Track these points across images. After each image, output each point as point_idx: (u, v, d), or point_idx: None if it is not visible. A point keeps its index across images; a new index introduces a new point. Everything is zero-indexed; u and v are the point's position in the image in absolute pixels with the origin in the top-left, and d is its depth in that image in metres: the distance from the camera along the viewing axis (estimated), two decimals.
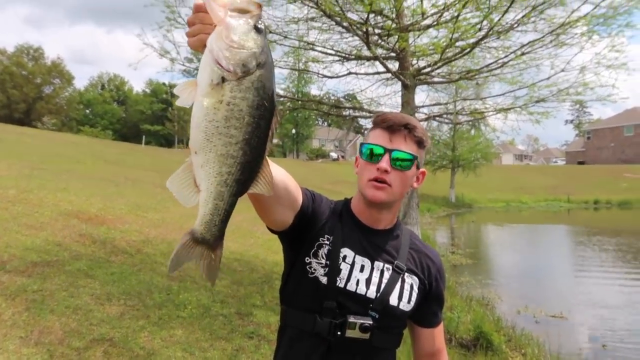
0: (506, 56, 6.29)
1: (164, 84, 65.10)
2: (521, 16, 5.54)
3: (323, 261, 1.24)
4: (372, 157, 1.26)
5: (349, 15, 5.88)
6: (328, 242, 1.26)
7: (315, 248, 1.25)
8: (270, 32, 6.13)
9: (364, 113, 7.78)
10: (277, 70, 6.96)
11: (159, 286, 4.75)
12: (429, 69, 6.68)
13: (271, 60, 0.86)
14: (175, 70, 6.52)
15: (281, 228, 1.21)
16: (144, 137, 46.92)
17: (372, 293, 1.24)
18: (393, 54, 6.74)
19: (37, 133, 24.80)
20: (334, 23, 6.23)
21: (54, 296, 3.99)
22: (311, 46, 6.73)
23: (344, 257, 1.25)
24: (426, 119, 8.26)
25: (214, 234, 0.92)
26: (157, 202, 9.30)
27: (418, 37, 6.20)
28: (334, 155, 58.02)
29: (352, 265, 1.25)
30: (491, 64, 6.54)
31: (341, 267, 1.24)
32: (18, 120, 38.93)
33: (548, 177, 41.59)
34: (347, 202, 1.38)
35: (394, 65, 6.83)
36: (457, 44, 5.73)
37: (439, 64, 6.37)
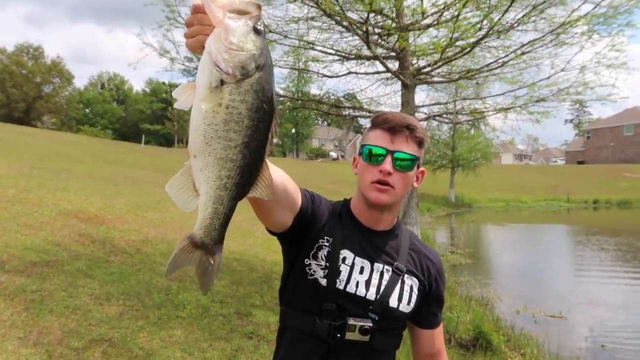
0: (506, 55, 6.29)
1: (163, 83, 65.10)
2: (521, 15, 5.54)
3: (323, 263, 1.23)
4: (374, 158, 1.25)
5: (349, 14, 5.88)
6: (328, 244, 1.25)
7: (314, 250, 1.24)
8: (270, 31, 6.13)
9: (364, 112, 7.77)
10: (277, 70, 6.98)
11: (158, 286, 4.75)
12: (429, 69, 6.68)
13: (270, 62, 0.85)
14: (175, 69, 6.52)
15: (280, 230, 1.20)
16: (143, 136, 46.91)
17: (371, 295, 1.23)
18: (393, 54, 6.73)
19: (36, 132, 24.78)
20: (334, 22, 6.22)
21: (53, 296, 3.98)
22: (311, 45, 6.73)
23: (344, 259, 1.24)
24: (426, 119, 8.26)
25: (214, 238, 0.91)
26: (157, 202, 9.29)
27: (418, 36, 6.19)
28: (333, 154, 58.00)
29: (352, 267, 1.24)
30: (491, 63, 6.54)
31: (341, 268, 1.23)
32: (17, 120, 38.93)
33: (548, 177, 41.61)
34: (346, 202, 1.37)
35: (394, 65, 6.82)
36: (457, 43, 5.73)
37: (439, 64, 6.37)
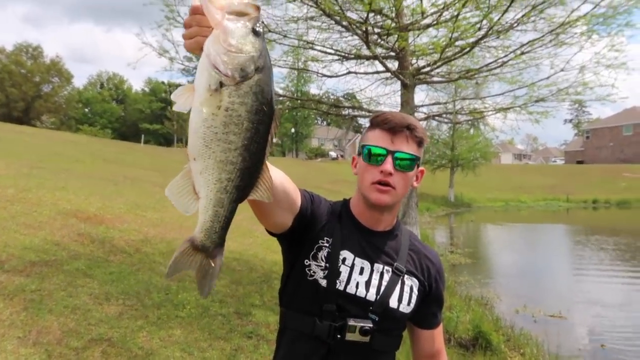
0: (506, 55, 6.30)
1: (163, 82, 65.11)
2: (521, 15, 5.54)
3: (322, 264, 1.23)
4: (374, 158, 1.24)
5: (349, 14, 5.88)
6: (327, 245, 1.25)
7: (314, 250, 1.24)
8: (270, 30, 6.12)
9: (363, 112, 7.77)
10: (276, 69, 6.99)
11: (158, 286, 4.74)
12: (428, 69, 6.68)
13: (270, 63, 0.85)
14: (174, 69, 6.53)
15: (280, 231, 1.20)
16: (143, 136, 46.93)
17: (371, 296, 1.23)
18: (392, 53, 6.73)
19: (35, 132, 24.74)
20: (333, 22, 6.22)
21: (52, 296, 3.98)
22: (310, 45, 6.72)
23: (344, 260, 1.24)
24: (425, 119, 8.26)
25: (214, 242, 0.91)
26: (156, 202, 9.28)
27: (417, 36, 6.19)
28: (333, 154, 58.02)
29: (352, 267, 1.24)
30: (491, 63, 6.55)
31: (341, 269, 1.23)
32: (17, 119, 38.87)
33: (547, 177, 41.63)
34: (346, 202, 1.37)
35: (393, 65, 6.83)
36: (457, 43, 5.73)
37: (439, 64, 6.37)
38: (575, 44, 6.01)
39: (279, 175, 1.07)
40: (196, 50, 0.84)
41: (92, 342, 3.41)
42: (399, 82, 6.73)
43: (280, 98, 7.85)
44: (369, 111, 7.45)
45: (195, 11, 0.83)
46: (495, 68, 6.56)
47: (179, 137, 55.59)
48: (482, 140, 24.75)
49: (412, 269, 1.33)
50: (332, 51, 6.91)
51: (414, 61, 6.75)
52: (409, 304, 1.28)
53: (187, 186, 0.88)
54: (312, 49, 6.84)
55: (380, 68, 6.97)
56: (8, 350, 3.08)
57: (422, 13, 5.69)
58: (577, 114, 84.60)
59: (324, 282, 1.21)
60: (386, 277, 1.27)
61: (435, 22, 5.86)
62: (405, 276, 1.30)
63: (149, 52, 6.10)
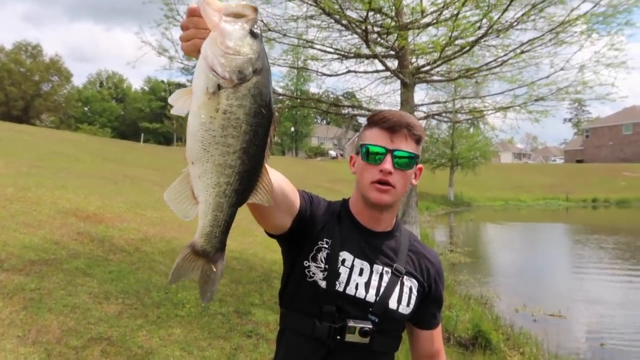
0: (505, 54, 6.29)
1: (162, 81, 64.89)
2: (521, 14, 5.54)
3: (322, 265, 1.22)
4: (373, 157, 1.24)
5: (348, 13, 5.87)
6: (327, 246, 1.24)
7: (314, 251, 1.24)
8: (269, 29, 6.11)
9: (363, 111, 7.77)
10: (276, 68, 6.98)
11: (157, 285, 4.74)
12: (428, 68, 6.68)
13: (268, 65, 0.84)
14: (173, 68, 6.52)
15: (279, 232, 1.20)
16: (142, 134, 46.86)
17: (371, 297, 1.23)
18: (392, 52, 6.72)
19: (35, 131, 24.71)
20: (333, 21, 6.21)
21: (51, 295, 3.97)
22: (310, 44, 6.71)
23: (343, 261, 1.23)
24: (425, 117, 8.26)
25: (215, 246, 0.90)
26: (156, 200, 9.28)
27: (417, 35, 6.18)
28: (332, 153, 58.01)
29: (351, 268, 1.24)
30: (490, 62, 6.54)
31: (340, 270, 1.22)
32: (16, 118, 38.83)
33: (547, 176, 41.64)
34: (345, 202, 1.37)
35: (393, 64, 6.82)
36: (457, 42, 5.73)
37: (438, 63, 6.37)
38: (575, 43, 6.02)
39: (277, 177, 1.06)
40: (193, 52, 0.83)
41: (91, 341, 3.41)
42: (398, 81, 6.73)
43: (280, 97, 7.84)
44: (369, 110, 7.44)
45: (193, 13, 0.82)
46: (495, 67, 6.56)
47: (179, 136, 55.52)
48: (482, 139, 24.74)
49: (412, 269, 1.32)
50: (332, 50, 6.91)
51: (413, 60, 6.74)
52: (408, 304, 1.28)
53: (185, 191, 0.87)
54: (312, 47, 6.83)
55: (380, 67, 6.97)
56: (7, 349, 3.08)
57: (422, 12, 5.68)
58: (577, 113, 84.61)
59: (323, 284, 1.21)
60: (386, 278, 1.26)
61: (435, 21, 5.85)
62: (405, 277, 1.29)
63: (148, 50, 6.10)
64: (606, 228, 19.34)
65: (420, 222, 9.28)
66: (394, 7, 5.88)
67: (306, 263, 1.23)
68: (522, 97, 7.05)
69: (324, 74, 7.31)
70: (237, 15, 0.79)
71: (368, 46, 6.09)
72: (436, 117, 8.69)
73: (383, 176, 1.22)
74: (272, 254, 7.06)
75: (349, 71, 7.25)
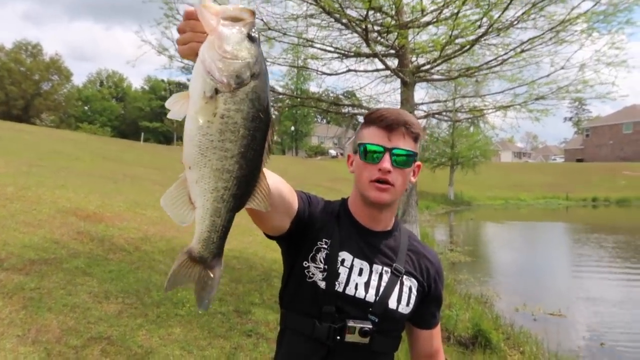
0: (506, 53, 6.28)
1: (162, 80, 64.88)
2: (521, 13, 5.52)
3: (321, 265, 1.22)
4: (372, 156, 1.23)
5: (348, 12, 5.86)
6: (326, 246, 1.24)
7: (313, 252, 1.23)
8: (269, 28, 6.10)
9: (363, 110, 7.75)
10: (276, 67, 6.98)
11: (157, 284, 4.74)
12: (428, 66, 6.67)
13: (266, 69, 0.83)
14: (173, 67, 6.52)
15: (278, 234, 1.19)
16: (142, 134, 46.79)
17: (371, 297, 1.22)
18: (392, 51, 6.71)
19: (35, 130, 24.71)
20: (333, 20, 6.20)
21: (51, 294, 3.97)
22: (310, 43, 6.70)
23: (342, 261, 1.23)
24: (425, 116, 8.25)
25: (212, 252, 0.90)
26: (156, 200, 9.15)
27: (417, 34, 6.17)
28: (332, 152, 57.99)
29: (351, 268, 1.23)
30: (491, 61, 6.53)
31: (339, 271, 1.22)
32: (16, 117, 38.84)
33: (547, 175, 41.65)
34: (344, 202, 1.36)
35: (393, 63, 6.81)
36: (457, 41, 5.72)
37: (439, 61, 6.36)
38: (576, 42, 6.00)
39: (275, 180, 1.06)
40: (190, 56, 0.83)
41: (91, 341, 3.40)
42: (398, 80, 6.72)
43: (280, 96, 7.84)
44: (369, 109, 7.43)
45: (189, 16, 0.81)
46: (495, 66, 6.55)
47: (179, 135, 55.27)
48: (482, 138, 24.74)
49: (411, 269, 1.32)
50: (332, 49, 6.90)
51: (413, 59, 6.74)
52: (408, 304, 1.27)
53: (182, 196, 0.86)
54: (312, 46, 6.82)
55: (380, 66, 6.96)
56: (7, 348, 3.08)
57: (422, 10, 5.67)
58: (577, 112, 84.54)
59: (323, 284, 1.20)
60: (385, 278, 1.26)
61: (435, 20, 5.84)
62: (404, 277, 1.29)
63: (148, 49, 6.09)
64: (606, 227, 19.35)
65: (421, 221, 9.28)
66: (394, 6, 5.87)
67: (305, 264, 1.23)
68: (523, 96, 7.04)
69: (324, 73, 7.30)
70: (235, 19, 0.79)
71: (368, 45, 6.08)
72: (436, 116, 8.67)
73: (382, 175, 1.21)
74: (272, 253, 7.06)
75: (349, 70, 7.24)
